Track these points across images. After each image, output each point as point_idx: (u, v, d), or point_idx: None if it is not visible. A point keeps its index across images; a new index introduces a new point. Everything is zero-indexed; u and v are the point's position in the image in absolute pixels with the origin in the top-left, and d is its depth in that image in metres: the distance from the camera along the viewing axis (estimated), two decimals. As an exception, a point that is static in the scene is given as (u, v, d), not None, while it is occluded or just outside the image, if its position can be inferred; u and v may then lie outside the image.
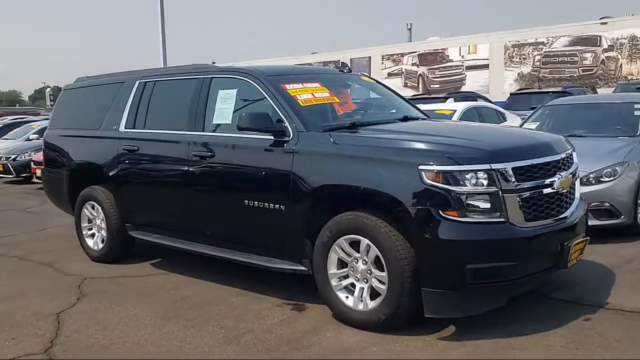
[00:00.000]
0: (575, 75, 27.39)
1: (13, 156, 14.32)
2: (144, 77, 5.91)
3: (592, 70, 27.02)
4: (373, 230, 3.90)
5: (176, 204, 5.36)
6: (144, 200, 5.73)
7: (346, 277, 4.18)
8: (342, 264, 4.19)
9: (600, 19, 28.00)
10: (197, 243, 5.24)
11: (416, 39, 37.85)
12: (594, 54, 26.92)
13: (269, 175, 4.54)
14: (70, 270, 6.07)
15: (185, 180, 5.18)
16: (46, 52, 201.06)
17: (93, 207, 6.31)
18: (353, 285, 4.14)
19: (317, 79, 5.14)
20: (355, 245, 4.09)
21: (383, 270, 3.91)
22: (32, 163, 13.33)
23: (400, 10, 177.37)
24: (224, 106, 5.02)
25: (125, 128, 5.89)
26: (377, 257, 3.94)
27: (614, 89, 20.14)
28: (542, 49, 28.77)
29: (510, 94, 17.24)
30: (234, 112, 4.94)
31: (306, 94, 4.77)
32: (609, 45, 26.57)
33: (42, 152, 7.14)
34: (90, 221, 6.43)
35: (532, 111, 8.59)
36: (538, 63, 28.69)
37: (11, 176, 14.32)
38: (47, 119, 23.52)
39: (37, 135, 15.96)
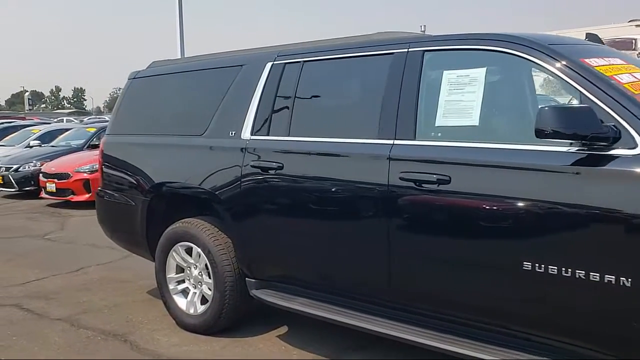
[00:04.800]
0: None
1: (15, 166, 12.09)
2: (282, 57, 3.85)
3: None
4: None
5: (359, 255, 3.33)
6: (290, 245, 3.69)
7: None
8: None
9: (630, 21, 26.49)
10: (398, 324, 3.19)
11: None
12: (627, 58, 25.39)
13: (590, 222, 2.53)
14: (160, 351, 3.99)
15: (383, 219, 3.15)
16: (24, 54, 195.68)
17: (189, 251, 4.23)
18: None
19: (610, 52, 3.17)
20: None
21: None
22: (40, 175, 11.15)
23: (411, 11, 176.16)
24: (460, 97, 3.01)
25: (252, 135, 3.83)
26: None
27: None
28: (570, 52, 27.17)
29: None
30: (482, 105, 2.93)
31: (623, 73, 2.80)
32: (644, 49, 25.10)
33: (98, 168, 5.01)
34: (181, 270, 4.35)
35: None
36: (566, 67, 27.06)
37: (13, 190, 12.08)
38: (45, 123, 21.34)
39: (38, 142, 13.85)
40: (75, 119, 42.72)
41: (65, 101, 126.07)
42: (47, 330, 4.44)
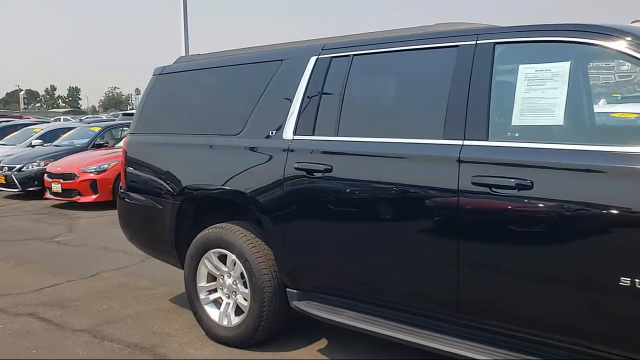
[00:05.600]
0: (611, 81, 25.56)
1: (18, 166, 11.76)
2: (328, 50, 3.58)
3: (631, 76, 25.26)
4: None
5: (422, 267, 3.06)
6: (338, 254, 3.41)
7: None
8: None
9: (633, 22, 26.32)
10: (463, 342, 2.92)
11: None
12: (632, 59, 25.14)
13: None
14: (195, 367, 3.71)
15: (452, 227, 2.88)
16: (20, 53, 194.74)
17: (222, 259, 3.96)
18: None
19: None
20: None
21: None
22: (45, 175, 10.83)
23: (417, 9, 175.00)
24: (540, 94, 2.74)
25: (295, 135, 3.56)
26: None
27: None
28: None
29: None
30: (567, 103, 2.67)
31: None
32: (649, 50, 24.82)
33: (122, 170, 4.69)
34: (213, 279, 4.07)
35: None
36: (570, 68, 26.84)
37: (16, 190, 11.75)
38: (43, 122, 20.89)
39: (40, 141, 13.54)
40: (72, 117, 42.35)
41: (60, 100, 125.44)
42: (68, 342, 4.15)
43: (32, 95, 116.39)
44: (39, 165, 11.63)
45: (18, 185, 11.62)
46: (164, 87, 4.55)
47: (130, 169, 4.58)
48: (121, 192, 4.71)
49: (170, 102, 4.50)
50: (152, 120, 4.57)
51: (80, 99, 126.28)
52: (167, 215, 4.21)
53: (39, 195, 11.33)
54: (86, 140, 12.64)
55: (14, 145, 14.05)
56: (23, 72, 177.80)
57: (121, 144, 11.93)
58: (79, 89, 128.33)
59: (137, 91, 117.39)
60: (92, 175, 10.16)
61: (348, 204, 3.28)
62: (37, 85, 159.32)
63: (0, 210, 10.56)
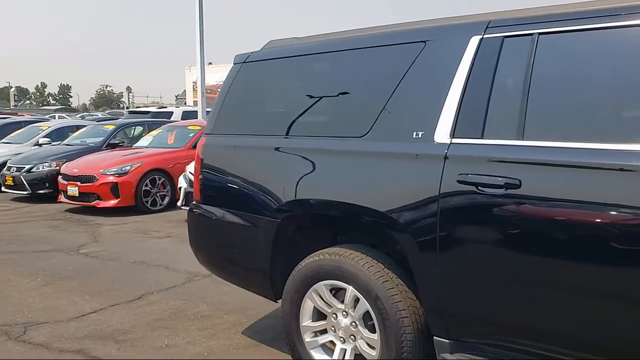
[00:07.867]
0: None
1: (27, 166, 10.85)
2: (497, 28, 2.76)
3: None
4: None
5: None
6: (526, 297, 2.56)
7: None
8: None
9: None
10: None
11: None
12: None
13: None
14: None
15: None
16: (8, 50, 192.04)
17: (336, 292, 3.12)
18: None
19: None
20: None
21: None
22: (59, 177, 9.93)
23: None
24: None
25: (454, 137, 2.73)
26: None
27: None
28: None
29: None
30: None
31: None
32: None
33: (195, 178, 3.83)
34: (321, 317, 3.23)
35: None
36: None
37: (24, 192, 10.84)
38: (40, 120, 19.93)
39: (47, 140, 12.63)
40: (67, 115, 41.27)
41: (50, 97, 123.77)
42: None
43: (22, 92, 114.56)
44: (51, 166, 10.76)
45: (27, 187, 10.72)
46: (251, 77, 3.71)
47: (207, 177, 3.74)
48: (194, 203, 3.86)
49: (260, 96, 3.66)
50: (236, 118, 3.72)
51: (71, 97, 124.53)
52: (261, 236, 3.37)
53: (50, 198, 10.46)
54: (100, 140, 11.76)
55: (20, 144, 13.13)
56: (13, 68, 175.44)
57: (139, 143, 11.08)
58: (70, 87, 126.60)
59: (129, 89, 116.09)
60: (113, 178, 9.27)
61: (549, 232, 2.45)
62: (27, 82, 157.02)
63: (11, 215, 9.65)
